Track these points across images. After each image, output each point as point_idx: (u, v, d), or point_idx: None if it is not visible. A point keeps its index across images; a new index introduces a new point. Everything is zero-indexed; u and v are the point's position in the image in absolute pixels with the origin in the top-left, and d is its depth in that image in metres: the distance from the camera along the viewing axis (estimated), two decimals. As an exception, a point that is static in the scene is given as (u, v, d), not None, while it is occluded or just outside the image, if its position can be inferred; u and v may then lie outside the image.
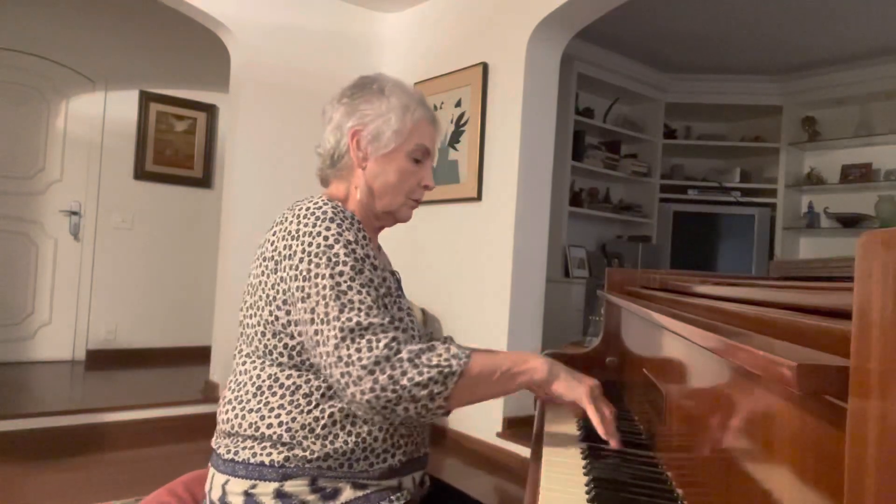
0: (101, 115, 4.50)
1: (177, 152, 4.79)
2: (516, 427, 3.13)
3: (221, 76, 4.36)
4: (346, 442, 1.01)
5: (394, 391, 0.94)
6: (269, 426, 1.01)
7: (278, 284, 1.04)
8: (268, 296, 1.05)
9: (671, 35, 4.30)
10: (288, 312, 1.02)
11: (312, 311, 0.99)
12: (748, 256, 4.86)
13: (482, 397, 1.02)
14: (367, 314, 0.97)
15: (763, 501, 0.53)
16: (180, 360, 4.60)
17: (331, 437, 1.01)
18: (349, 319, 0.96)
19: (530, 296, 3.25)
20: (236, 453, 1.03)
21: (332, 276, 0.99)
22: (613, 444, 0.99)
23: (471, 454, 3.21)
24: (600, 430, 0.98)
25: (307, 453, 1.00)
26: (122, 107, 4.57)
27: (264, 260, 1.07)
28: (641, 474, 0.88)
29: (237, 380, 1.08)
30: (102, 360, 4.41)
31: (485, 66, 3.37)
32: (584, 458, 0.96)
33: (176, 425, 3.23)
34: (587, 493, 0.81)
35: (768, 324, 0.62)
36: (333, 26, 3.90)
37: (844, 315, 0.50)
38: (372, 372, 0.93)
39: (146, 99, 4.65)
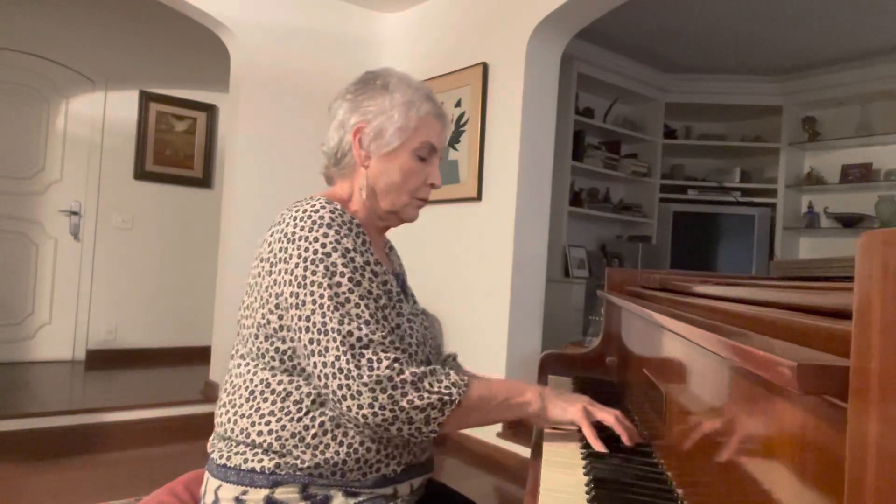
0: (101, 115, 4.50)
1: (177, 152, 4.80)
2: (516, 427, 3.13)
3: (221, 76, 4.36)
4: (336, 452, 0.99)
5: (391, 411, 0.93)
6: (259, 433, 0.99)
7: (272, 287, 1.01)
8: (262, 298, 1.03)
9: (671, 35, 4.30)
10: (280, 317, 1.00)
11: (308, 318, 0.97)
12: (748, 256, 4.86)
13: (474, 424, 1.03)
14: (368, 328, 0.96)
15: (763, 501, 0.53)
16: (180, 360, 4.60)
17: (321, 447, 0.98)
18: (350, 333, 0.95)
19: (530, 296, 3.25)
20: (228, 458, 1.01)
21: (329, 287, 0.97)
22: (626, 440, 1.00)
23: (471, 454, 3.21)
24: (596, 445, 0.98)
25: (297, 462, 0.98)
26: (122, 107, 4.57)
27: (261, 261, 1.05)
28: (641, 474, 0.88)
29: (232, 381, 1.07)
30: (102, 360, 4.41)
31: (485, 66, 3.37)
32: (584, 458, 0.96)
33: (176, 425, 3.23)
34: (587, 493, 0.81)
35: (768, 324, 0.62)
36: (333, 26, 3.90)
37: (844, 315, 0.50)
38: (373, 390, 0.92)
39: (146, 99, 4.65)
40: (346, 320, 0.95)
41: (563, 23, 3.19)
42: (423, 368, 0.96)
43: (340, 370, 0.94)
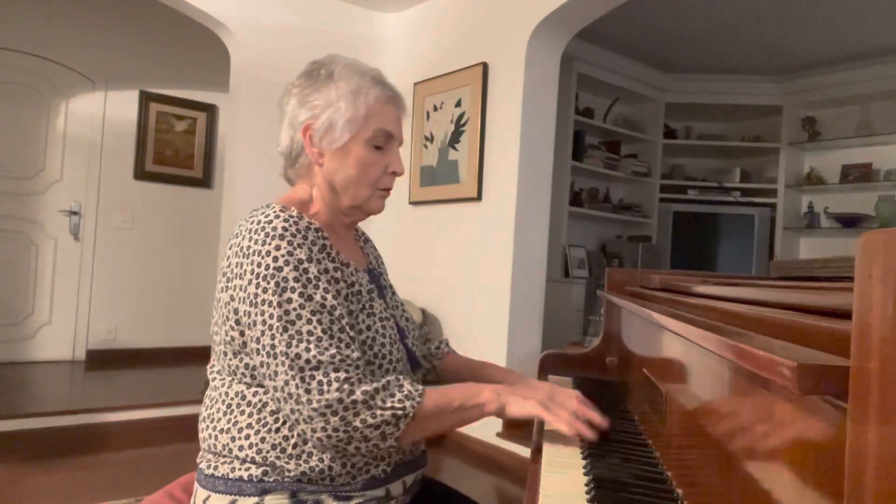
0: (101, 115, 4.50)
1: (177, 152, 4.79)
2: (516, 427, 3.13)
3: (221, 76, 4.36)
4: (321, 459, 0.97)
5: (346, 432, 0.91)
6: (241, 448, 0.98)
7: (229, 304, 0.99)
8: (223, 314, 1.01)
9: (671, 35, 4.30)
10: (242, 334, 0.98)
11: (258, 340, 0.94)
12: (748, 256, 4.86)
13: (434, 432, 1.01)
14: (318, 348, 0.92)
15: (763, 501, 0.53)
16: (180, 360, 4.60)
17: (304, 456, 0.97)
18: (298, 356, 0.92)
19: (530, 296, 3.24)
20: (216, 468, 1.00)
21: (279, 305, 0.93)
22: (588, 433, 0.97)
23: (470, 454, 3.21)
24: (566, 430, 0.97)
25: (283, 471, 0.97)
26: (122, 107, 4.57)
27: (222, 275, 1.02)
28: (641, 474, 0.88)
29: (210, 395, 1.05)
30: (102, 360, 4.41)
31: (485, 66, 3.37)
32: (584, 458, 0.96)
33: (176, 425, 3.23)
34: (587, 493, 0.81)
35: (768, 324, 0.62)
36: (333, 26, 3.90)
37: (844, 315, 0.50)
38: (323, 414, 0.90)
39: (146, 99, 4.65)
40: (294, 342, 0.92)
41: (563, 23, 3.19)
42: (374, 385, 0.93)
43: (290, 395, 0.91)
